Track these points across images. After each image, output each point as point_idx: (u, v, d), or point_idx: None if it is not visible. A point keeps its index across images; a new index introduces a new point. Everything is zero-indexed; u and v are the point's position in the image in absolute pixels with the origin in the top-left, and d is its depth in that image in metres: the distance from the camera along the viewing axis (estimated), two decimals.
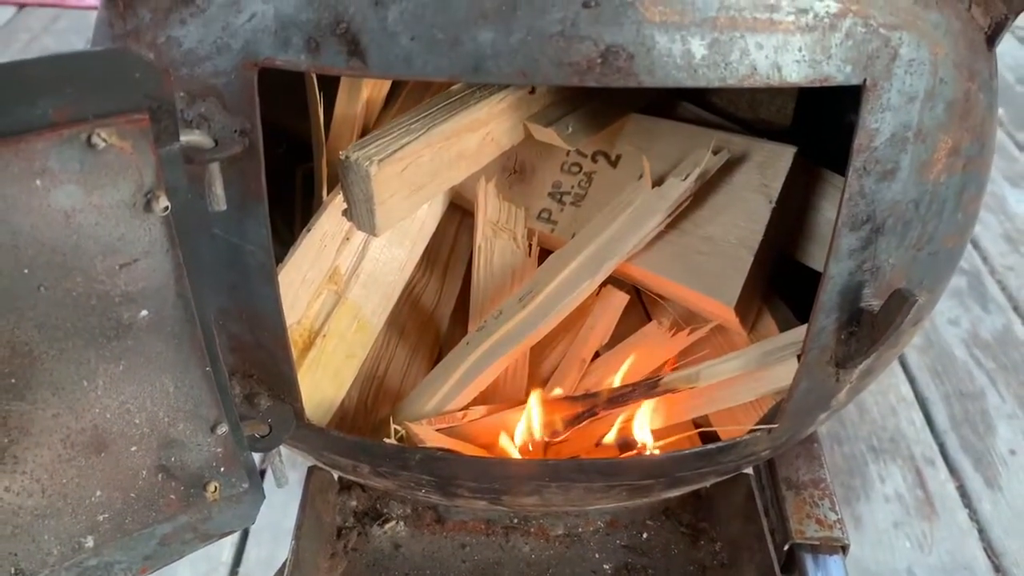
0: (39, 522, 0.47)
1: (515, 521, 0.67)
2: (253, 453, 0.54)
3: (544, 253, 0.64)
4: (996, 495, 1.20)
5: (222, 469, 0.52)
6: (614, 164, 0.63)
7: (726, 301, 0.56)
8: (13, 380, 0.43)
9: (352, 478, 0.63)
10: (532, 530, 0.67)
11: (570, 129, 0.59)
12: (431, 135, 0.52)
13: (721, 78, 0.41)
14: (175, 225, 0.43)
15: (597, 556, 0.65)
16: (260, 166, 0.44)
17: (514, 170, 0.66)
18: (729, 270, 0.56)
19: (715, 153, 0.59)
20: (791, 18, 0.41)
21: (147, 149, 0.40)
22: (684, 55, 0.40)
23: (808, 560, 0.64)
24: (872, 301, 0.50)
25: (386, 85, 0.59)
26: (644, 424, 0.58)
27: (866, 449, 1.28)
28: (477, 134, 0.56)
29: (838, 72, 0.42)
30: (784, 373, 0.54)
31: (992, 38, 0.47)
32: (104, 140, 0.38)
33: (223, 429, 0.50)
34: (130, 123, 0.38)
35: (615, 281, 0.64)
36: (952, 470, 1.24)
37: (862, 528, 1.13)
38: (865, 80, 0.43)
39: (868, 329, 0.50)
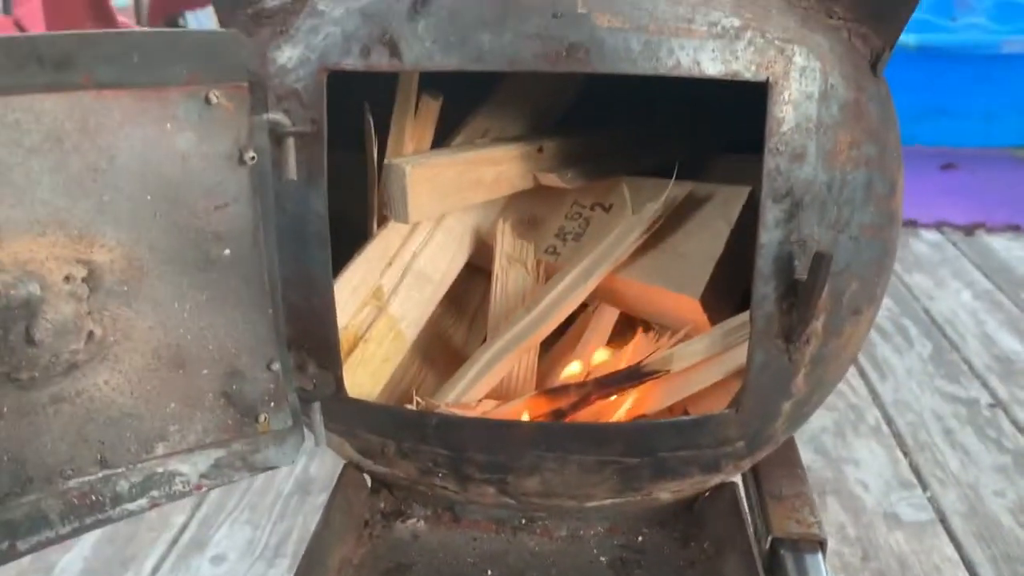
0: (125, 420, 0.59)
1: (523, 522, 0.74)
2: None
3: None
4: None
5: (272, 404, 0.63)
6: (607, 211, 0.78)
7: (692, 294, 0.67)
8: (125, 288, 0.57)
9: (381, 469, 0.73)
10: (538, 530, 0.74)
11: (569, 176, 0.74)
12: (456, 158, 0.68)
13: (654, 68, 0.56)
14: (257, 181, 0.58)
15: (595, 551, 0.72)
16: (323, 148, 0.60)
17: (528, 221, 0.81)
18: (695, 272, 0.69)
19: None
20: (704, 28, 0.56)
21: (245, 112, 0.56)
22: (626, 50, 0.56)
23: (788, 556, 0.69)
24: (804, 275, 0.61)
25: (428, 137, 0.76)
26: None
27: None
28: (493, 169, 0.71)
29: (745, 70, 0.57)
30: (743, 352, 0.64)
31: (874, 65, 0.61)
32: (217, 98, 0.55)
33: (276, 366, 0.62)
34: (236, 88, 0.55)
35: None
36: None
37: None
38: (768, 78, 0.57)
39: (803, 296, 0.61)
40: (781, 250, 0.60)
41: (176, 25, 3.76)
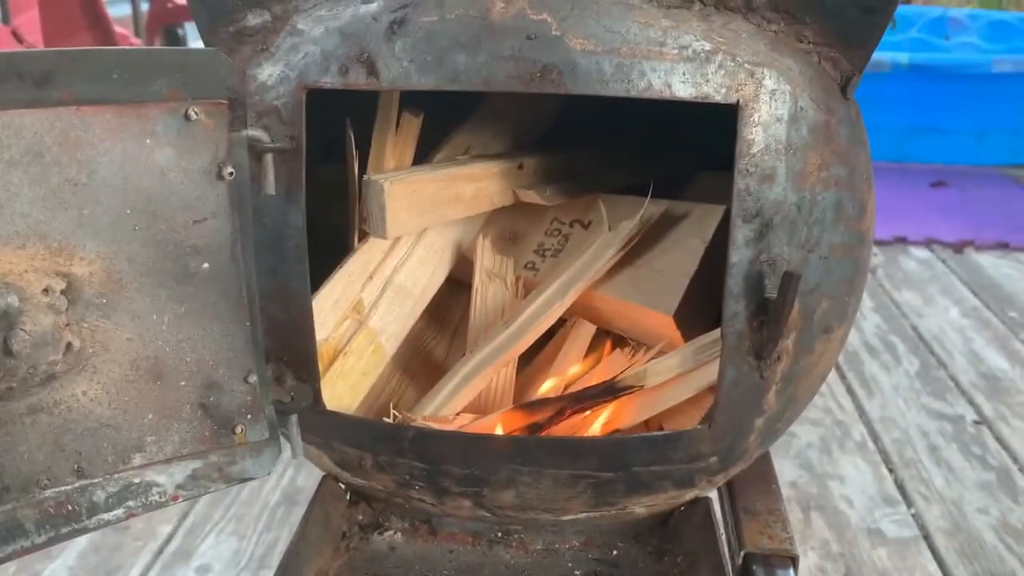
0: (102, 430, 0.59)
1: (499, 535, 0.75)
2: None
3: None
4: None
5: (249, 416, 0.64)
6: (586, 227, 0.79)
7: (666, 311, 0.68)
8: (104, 300, 0.58)
9: (358, 481, 0.73)
10: (514, 543, 0.75)
11: (548, 192, 0.75)
12: (435, 175, 0.69)
13: (626, 90, 0.57)
14: (236, 196, 0.59)
15: (570, 565, 0.73)
16: (302, 164, 0.61)
17: (508, 237, 0.82)
18: (669, 288, 0.70)
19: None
20: (675, 51, 0.58)
21: (224, 127, 0.57)
22: (598, 73, 0.57)
23: (760, 571, 0.70)
24: (774, 293, 0.62)
25: (409, 154, 0.77)
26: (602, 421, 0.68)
27: None
28: (473, 185, 0.72)
29: (715, 92, 0.58)
30: (716, 369, 0.65)
31: (844, 88, 0.63)
32: (196, 114, 0.56)
33: (254, 378, 0.63)
34: (215, 105, 0.56)
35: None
36: None
37: None
38: (738, 100, 0.59)
39: (773, 315, 0.62)
40: (751, 269, 0.61)
41: (175, 35, 3.79)
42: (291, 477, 1.52)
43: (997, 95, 3.07)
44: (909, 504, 1.52)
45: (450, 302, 0.86)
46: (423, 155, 0.78)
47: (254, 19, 0.62)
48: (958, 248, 2.55)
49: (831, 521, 1.48)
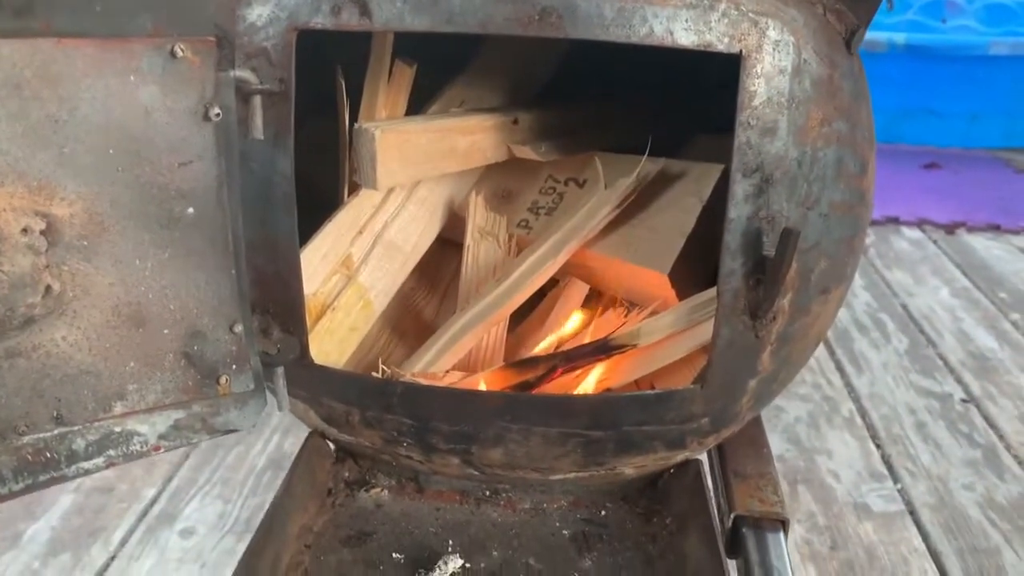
0: (82, 377, 0.58)
1: (487, 493, 0.74)
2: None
3: None
4: None
5: (234, 367, 0.62)
6: (581, 186, 0.77)
7: (661, 269, 0.67)
8: (85, 243, 0.56)
9: (345, 437, 0.72)
10: (502, 502, 0.74)
11: (543, 149, 0.74)
12: (428, 125, 0.68)
13: (627, 36, 0.56)
14: (223, 139, 0.58)
15: (558, 524, 0.72)
16: (291, 108, 0.59)
17: (501, 195, 0.80)
18: (665, 247, 0.68)
19: None
20: None
21: (211, 66, 0.55)
22: (599, 17, 0.55)
23: (750, 534, 0.69)
24: (772, 251, 0.61)
25: (402, 104, 0.75)
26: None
27: None
28: (466, 138, 0.71)
29: (718, 42, 0.57)
30: (710, 328, 0.64)
31: (848, 41, 0.61)
32: (183, 51, 0.54)
33: (239, 328, 0.62)
34: (202, 43, 0.54)
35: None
36: None
37: None
38: (741, 51, 0.57)
39: (770, 273, 0.61)
40: (749, 225, 0.60)
41: None
42: (278, 442, 1.51)
43: (992, 78, 3.06)
44: (895, 479, 1.52)
45: (441, 261, 0.84)
46: (417, 109, 0.76)
47: None
48: (950, 229, 2.55)
49: (818, 495, 1.48)
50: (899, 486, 1.50)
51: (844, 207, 0.63)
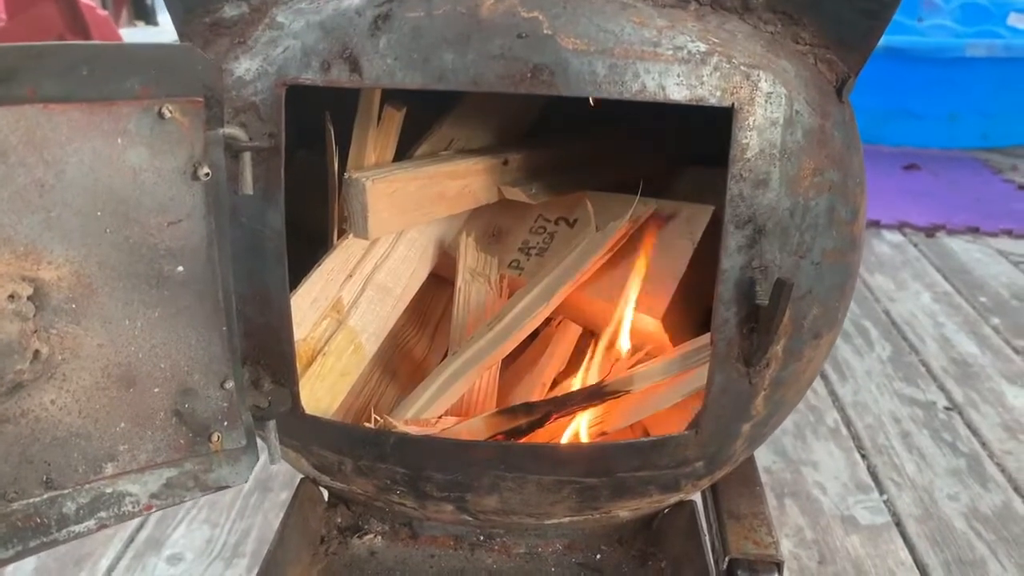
0: (72, 440, 0.57)
1: (481, 538, 0.74)
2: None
3: None
4: None
5: (225, 423, 0.62)
6: (571, 225, 0.77)
7: (654, 314, 0.67)
8: (74, 306, 0.55)
9: (338, 485, 0.72)
10: (496, 547, 0.74)
11: (533, 190, 0.73)
12: (418, 172, 0.67)
13: (619, 93, 0.55)
14: (212, 197, 0.57)
15: (554, 570, 0.72)
16: (281, 162, 0.59)
17: (492, 234, 0.80)
18: (658, 292, 0.68)
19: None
20: (670, 52, 0.56)
21: (199, 126, 0.54)
22: (591, 74, 0.55)
23: None
24: (765, 300, 0.61)
25: (391, 148, 0.74)
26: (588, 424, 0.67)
27: None
28: (457, 183, 0.70)
29: (710, 95, 0.57)
30: (704, 374, 0.64)
31: (840, 90, 0.61)
32: (170, 113, 0.53)
33: (230, 384, 0.61)
34: (190, 103, 0.53)
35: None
36: None
37: None
38: (733, 104, 0.57)
39: (764, 322, 0.61)
40: (743, 275, 0.60)
41: (142, 5, 3.69)
42: (264, 463, 1.49)
43: (969, 79, 3.09)
44: (881, 491, 1.53)
45: (430, 297, 0.84)
46: (405, 145, 0.76)
47: (231, 10, 0.59)
48: (930, 232, 2.57)
49: (805, 508, 1.49)
50: (885, 497, 1.51)
51: (836, 254, 0.63)
